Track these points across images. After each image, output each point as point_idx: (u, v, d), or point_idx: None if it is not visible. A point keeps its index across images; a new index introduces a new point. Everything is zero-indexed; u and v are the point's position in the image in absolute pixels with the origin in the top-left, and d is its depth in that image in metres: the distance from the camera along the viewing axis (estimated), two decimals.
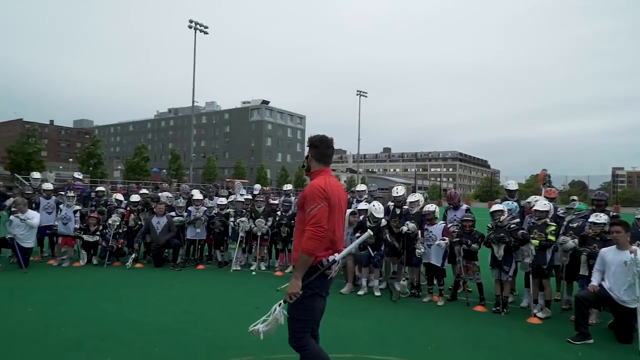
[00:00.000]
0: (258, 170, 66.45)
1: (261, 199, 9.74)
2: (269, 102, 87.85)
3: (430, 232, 7.16)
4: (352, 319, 6.04)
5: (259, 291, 7.46)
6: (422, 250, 7.04)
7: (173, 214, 9.72)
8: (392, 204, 8.14)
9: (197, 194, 9.97)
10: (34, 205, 9.63)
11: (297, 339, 3.02)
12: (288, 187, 10.55)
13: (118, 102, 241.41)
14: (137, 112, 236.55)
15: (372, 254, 7.34)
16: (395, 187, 8.05)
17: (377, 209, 7.29)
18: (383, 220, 7.40)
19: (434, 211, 7.20)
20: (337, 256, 3.08)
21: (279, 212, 9.52)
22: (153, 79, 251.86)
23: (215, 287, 7.78)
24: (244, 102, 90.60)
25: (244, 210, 9.51)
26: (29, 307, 5.89)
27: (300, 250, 2.93)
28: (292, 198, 10.45)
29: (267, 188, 11.19)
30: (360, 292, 7.41)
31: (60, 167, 64.04)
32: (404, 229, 7.33)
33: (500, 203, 7.29)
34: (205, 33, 42.27)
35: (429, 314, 6.40)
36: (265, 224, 9.30)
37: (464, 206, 8.01)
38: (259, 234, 9.24)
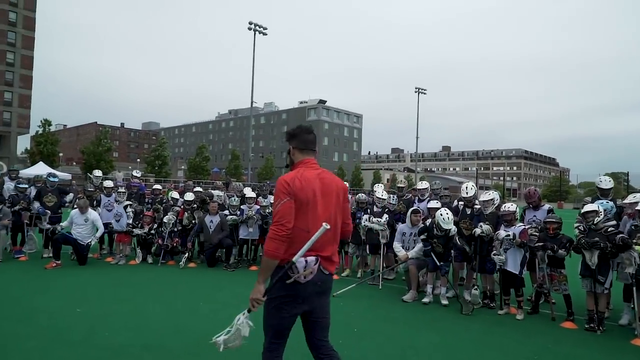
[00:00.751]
0: None
1: None
2: (325, 101, 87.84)
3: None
4: (416, 331, 5.35)
5: None
6: (503, 256, 6.16)
7: (227, 212, 9.45)
8: (462, 203, 7.33)
9: (249, 192, 9.63)
10: (94, 202, 9.76)
11: (266, 349, 2.70)
12: None
13: (182, 105, 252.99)
14: (200, 114, 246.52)
15: (439, 265, 6.58)
16: (464, 185, 7.22)
17: (445, 219, 6.50)
18: (452, 229, 6.60)
19: (514, 211, 6.29)
20: (301, 260, 2.50)
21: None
22: (214, 82, 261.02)
23: None
24: (301, 102, 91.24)
25: None
26: (79, 307, 5.73)
27: (263, 253, 2.59)
28: (348, 197, 9.87)
29: None
30: (425, 300, 6.67)
31: (130, 167, 67.63)
32: (477, 231, 6.50)
33: (592, 202, 6.26)
34: (264, 34, 42.57)
35: (507, 329, 5.56)
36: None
37: (546, 206, 7.01)
38: None
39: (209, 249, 8.99)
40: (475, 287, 6.62)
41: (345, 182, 3.09)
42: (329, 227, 2.52)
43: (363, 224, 8.20)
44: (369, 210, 8.48)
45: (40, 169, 27.87)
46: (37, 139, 43.95)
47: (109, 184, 10.17)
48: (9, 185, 10.12)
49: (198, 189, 11.12)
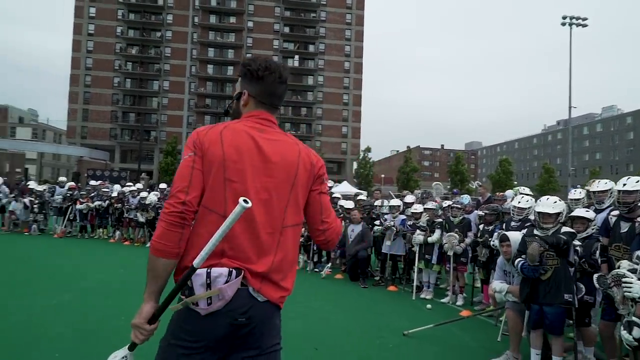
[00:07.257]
0: None
1: (458, 207, 7.08)
2: None
3: None
4: None
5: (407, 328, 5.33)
6: None
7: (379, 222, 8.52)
8: None
9: (406, 199, 8.29)
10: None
11: None
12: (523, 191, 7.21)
13: (507, 122, 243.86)
14: (525, 129, 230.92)
15: None
16: None
17: None
18: None
19: None
20: (201, 271, 1.53)
21: (481, 226, 6.68)
22: (538, 93, 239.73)
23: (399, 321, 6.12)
24: None
25: (435, 221, 7.17)
26: None
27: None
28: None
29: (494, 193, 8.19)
30: None
31: (448, 186, 70.16)
32: None
33: None
34: (584, 26, 36.76)
35: None
36: (461, 241, 6.72)
37: None
38: (449, 253, 6.75)
39: (349, 260, 8.34)
40: None
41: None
42: (249, 205, 1.44)
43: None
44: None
45: (342, 187, 32.74)
46: (359, 163, 52.55)
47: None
48: None
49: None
